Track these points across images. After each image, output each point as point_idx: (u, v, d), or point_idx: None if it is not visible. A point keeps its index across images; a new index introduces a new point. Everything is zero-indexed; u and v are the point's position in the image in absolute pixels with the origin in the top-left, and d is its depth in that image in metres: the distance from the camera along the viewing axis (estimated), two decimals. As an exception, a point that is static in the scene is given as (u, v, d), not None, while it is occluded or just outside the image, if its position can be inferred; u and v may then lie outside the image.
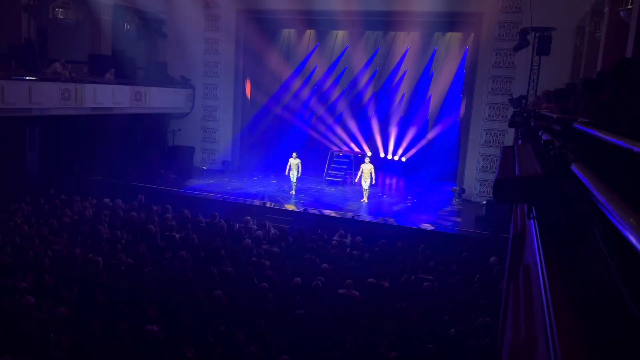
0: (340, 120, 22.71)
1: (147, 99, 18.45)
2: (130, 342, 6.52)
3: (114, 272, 9.26)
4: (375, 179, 16.80)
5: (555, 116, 4.10)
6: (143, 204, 14.63)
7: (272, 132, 23.12)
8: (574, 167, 1.93)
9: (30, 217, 12.60)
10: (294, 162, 16.77)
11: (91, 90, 16.07)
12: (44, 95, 14.48)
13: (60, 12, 16.31)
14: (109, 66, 17.71)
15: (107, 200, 14.41)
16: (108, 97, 16.89)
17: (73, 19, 16.73)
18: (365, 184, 16.34)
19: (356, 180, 17.18)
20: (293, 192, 16.95)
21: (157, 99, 19.02)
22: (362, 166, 16.54)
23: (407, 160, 21.88)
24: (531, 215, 2.57)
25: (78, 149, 17.58)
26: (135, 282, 8.87)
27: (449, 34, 20.72)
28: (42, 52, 16.36)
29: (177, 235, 11.58)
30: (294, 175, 16.82)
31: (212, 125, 21.14)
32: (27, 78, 14.27)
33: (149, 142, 19.87)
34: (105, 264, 9.43)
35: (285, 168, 17.01)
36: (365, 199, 16.40)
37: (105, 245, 10.63)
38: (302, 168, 17.05)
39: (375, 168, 16.67)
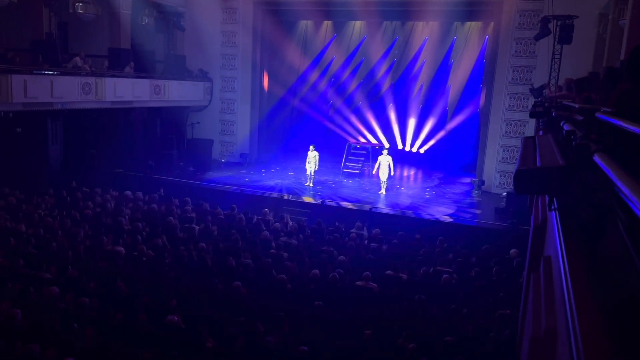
0: (357, 112, 22.65)
1: (166, 93, 18.61)
2: (151, 333, 6.62)
3: (135, 263, 9.40)
4: (393, 171, 16.73)
5: (577, 106, 4.03)
6: (163, 196, 14.79)
7: (290, 124, 23.18)
8: (596, 158, 1.90)
9: (54, 209, 12.83)
10: (311, 154, 16.78)
11: (111, 84, 16.26)
12: (65, 89, 14.69)
13: (80, 7, 16.48)
14: (129, 60, 17.89)
15: (128, 192, 14.60)
16: (128, 90, 17.06)
17: (93, 13, 16.90)
18: (383, 175, 16.28)
19: (374, 172, 17.12)
20: (310, 184, 16.97)
21: (176, 92, 19.16)
22: (380, 158, 16.49)
23: (425, 151, 21.75)
24: (552, 207, 2.54)
25: (99, 142, 17.82)
26: (156, 273, 9.00)
27: (469, 23, 20.48)
28: (63, 47, 16.59)
29: (197, 228, 11.70)
30: (311, 168, 16.84)
31: (230, 118, 21.23)
32: (49, 72, 14.48)
33: (168, 135, 20.04)
34: (127, 256, 9.58)
35: (305, 162, 17.02)
36: (383, 191, 16.35)
37: (126, 237, 10.79)
38: (319, 160, 17.05)
39: (393, 160, 16.61)
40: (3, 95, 12.94)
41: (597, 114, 2.59)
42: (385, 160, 16.28)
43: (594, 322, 1.30)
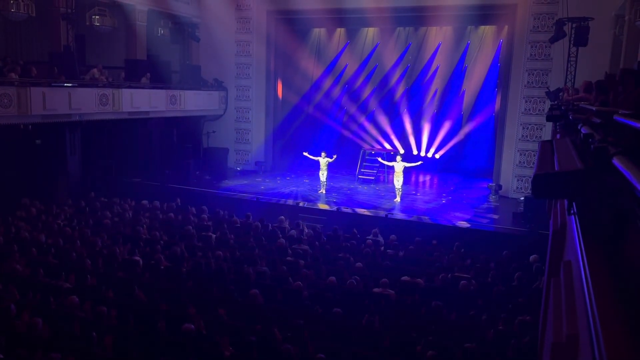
0: (372, 118, 22.63)
1: (182, 102, 18.79)
2: (170, 341, 6.65)
3: (153, 272, 9.47)
4: (409, 177, 16.61)
5: (594, 108, 3.99)
6: (180, 205, 14.91)
7: (304, 132, 23.21)
8: (615, 161, 1.88)
9: (73, 219, 12.99)
10: (322, 161, 16.76)
11: (128, 94, 16.46)
12: (83, 101, 14.92)
13: (96, 19, 16.75)
14: (145, 71, 18.10)
15: (145, 202, 14.74)
16: (144, 101, 17.26)
17: (109, 25, 17.17)
18: (398, 183, 16.12)
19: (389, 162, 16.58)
20: (323, 191, 16.95)
21: (192, 102, 19.34)
22: (393, 163, 16.32)
23: (441, 157, 21.63)
24: (572, 211, 2.51)
25: (116, 153, 18.06)
26: (173, 281, 9.05)
27: (482, 27, 20.39)
28: (80, 59, 16.85)
29: (214, 236, 11.77)
30: (323, 175, 16.83)
31: (245, 126, 21.37)
32: (67, 85, 14.72)
33: (184, 144, 20.23)
34: (145, 264, 9.66)
35: (319, 169, 17.00)
36: (397, 199, 16.17)
37: (144, 246, 10.88)
38: (335, 166, 17.00)
39: (405, 166, 16.44)
40: (22, 107, 13.18)
41: (615, 117, 2.56)
42: (399, 167, 16.11)
43: (616, 327, 1.28)
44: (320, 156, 16.84)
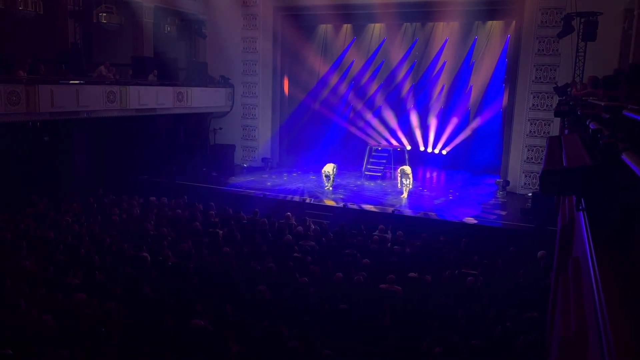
0: (378, 114, 22.56)
1: (189, 99, 18.84)
2: (177, 337, 6.68)
3: (160, 268, 9.51)
4: (416, 173, 16.57)
5: (603, 104, 3.96)
6: (187, 202, 14.96)
7: (311, 128, 23.21)
8: (624, 157, 1.86)
9: (81, 216, 13.06)
10: (331, 169, 16.81)
11: (135, 92, 16.52)
12: (90, 98, 14.99)
13: (103, 17, 16.80)
14: (152, 68, 18.17)
15: (153, 198, 14.79)
16: (151, 98, 17.32)
17: (116, 23, 17.22)
18: (407, 180, 16.09)
19: (399, 187, 16.72)
20: (329, 187, 16.94)
21: (199, 98, 19.39)
22: (400, 170, 16.34)
23: (448, 153, 21.56)
24: (580, 207, 2.50)
25: (124, 150, 18.13)
26: (181, 278, 9.09)
27: (490, 22, 20.26)
28: (87, 56, 16.93)
29: (221, 232, 11.80)
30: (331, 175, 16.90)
31: (251, 123, 21.40)
32: (74, 82, 14.79)
33: (191, 141, 20.29)
34: (153, 261, 9.70)
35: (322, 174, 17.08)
36: (405, 195, 16.12)
37: (152, 242, 10.92)
38: (342, 163, 17.02)
39: (415, 161, 16.46)
40: (31, 105, 13.26)
41: (624, 112, 2.54)
42: (407, 169, 16.12)
43: (625, 323, 1.27)
44: (324, 166, 16.90)
